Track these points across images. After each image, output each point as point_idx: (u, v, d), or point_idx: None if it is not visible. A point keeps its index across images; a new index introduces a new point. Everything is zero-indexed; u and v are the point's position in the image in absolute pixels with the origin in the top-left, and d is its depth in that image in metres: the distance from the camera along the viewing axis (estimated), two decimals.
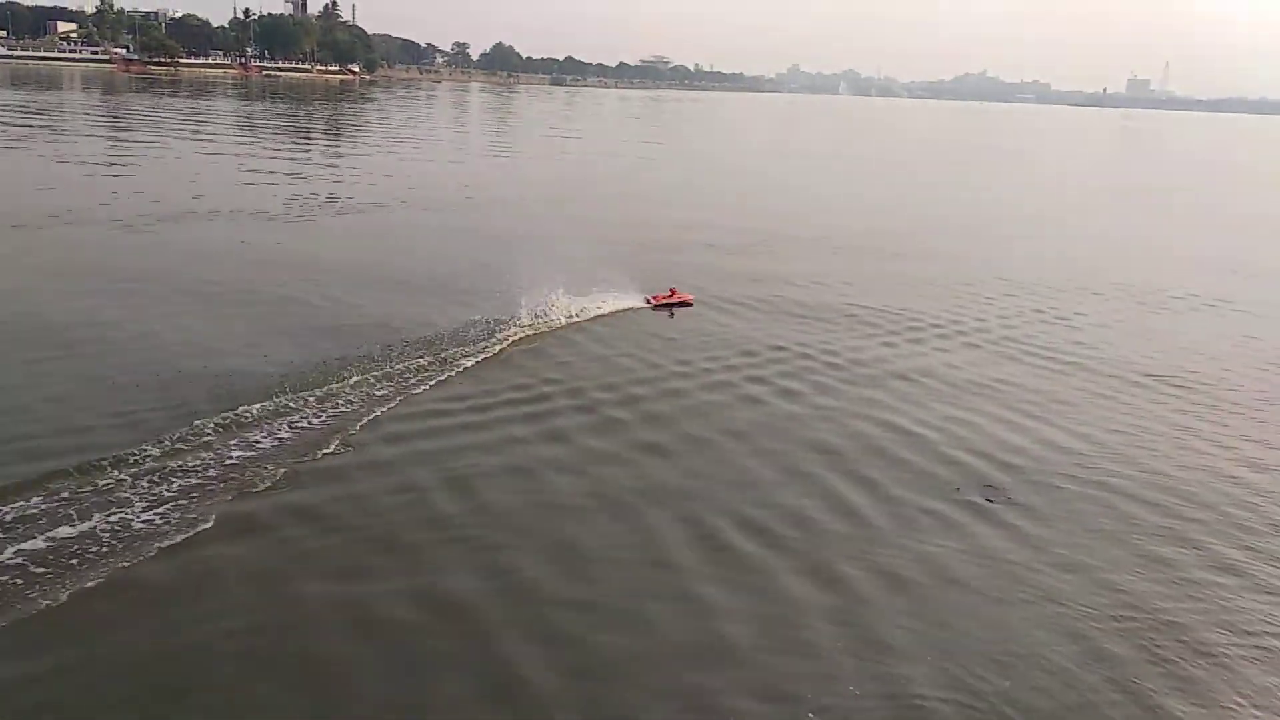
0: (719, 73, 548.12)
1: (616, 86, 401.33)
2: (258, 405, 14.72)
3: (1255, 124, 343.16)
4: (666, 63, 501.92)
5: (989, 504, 13.39)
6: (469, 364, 17.75)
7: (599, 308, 23.38)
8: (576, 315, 22.41)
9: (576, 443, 14.83)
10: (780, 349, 20.48)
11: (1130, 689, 9.47)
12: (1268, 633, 10.59)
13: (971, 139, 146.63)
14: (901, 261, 32.38)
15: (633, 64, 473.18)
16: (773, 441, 15.38)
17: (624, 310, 24.01)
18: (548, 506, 12.72)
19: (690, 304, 25.24)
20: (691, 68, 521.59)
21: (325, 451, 13.48)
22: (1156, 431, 16.65)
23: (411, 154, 62.98)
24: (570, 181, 53.18)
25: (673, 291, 25.56)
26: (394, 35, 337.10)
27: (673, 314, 24.28)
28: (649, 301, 24.88)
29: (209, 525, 11.24)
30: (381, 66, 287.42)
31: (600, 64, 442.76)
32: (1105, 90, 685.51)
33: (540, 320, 21.05)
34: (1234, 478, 14.80)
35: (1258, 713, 9.20)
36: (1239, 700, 9.37)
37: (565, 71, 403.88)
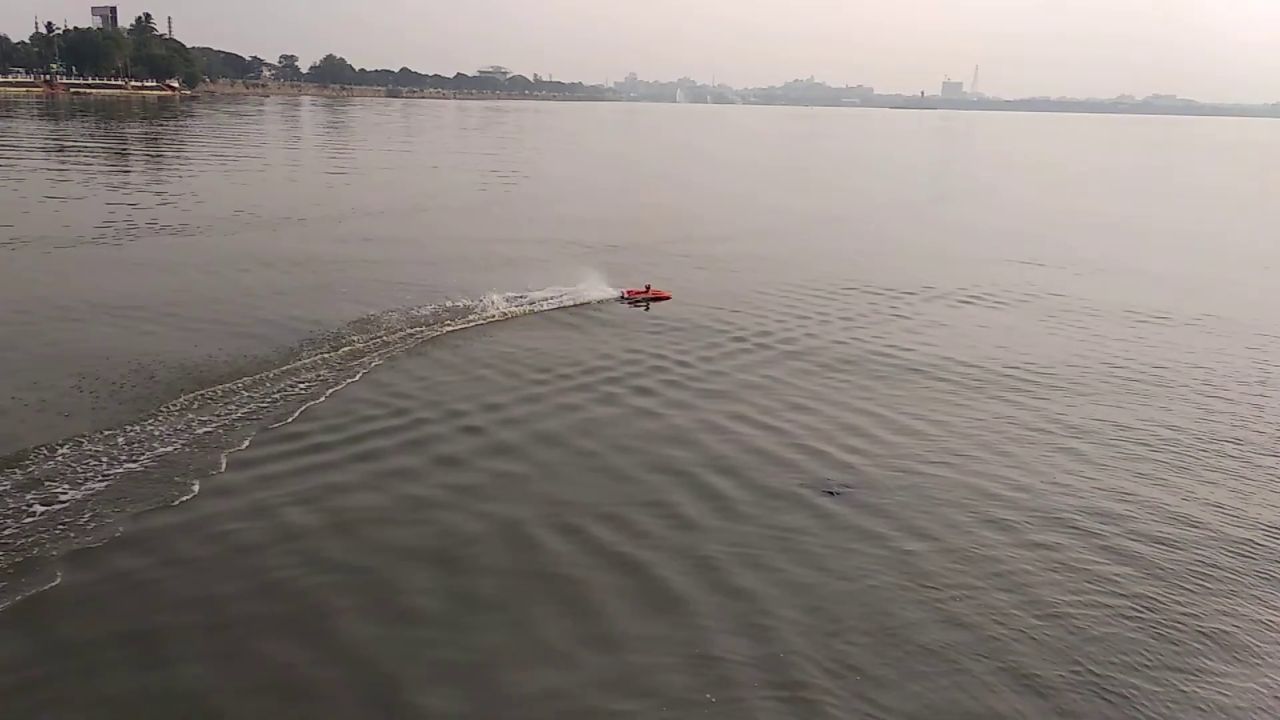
0: (558, 82, 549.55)
1: (455, 97, 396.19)
2: (85, 449, 13.80)
3: (1055, 122, 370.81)
4: (505, 73, 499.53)
5: (837, 494, 14.05)
6: (334, 389, 17.26)
7: (570, 298, 25.03)
8: (540, 304, 24.36)
9: (446, 459, 14.70)
10: (657, 354, 20.84)
11: (987, 650, 10.17)
12: (1099, 587, 11.55)
13: (803, 143, 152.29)
14: (744, 266, 33.32)
15: (471, 75, 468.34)
16: (638, 447, 15.67)
17: (597, 302, 25.38)
18: (428, 525, 12.56)
19: (668, 298, 26.10)
20: (530, 78, 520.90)
21: (186, 497, 12.76)
22: (987, 411, 17.82)
23: (239, 173, 60.29)
24: (411, 195, 52.12)
25: (648, 288, 26.32)
26: (215, 49, 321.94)
27: (648, 308, 25.25)
28: (624, 296, 25.90)
29: (56, 582, 10.55)
30: (203, 81, 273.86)
31: (437, 75, 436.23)
32: (923, 93, 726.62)
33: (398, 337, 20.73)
34: (1063, 448, 16.03)
35: (1095, 666, 10.01)
36: (1080, 657, 10.18)
37: (401, 83, 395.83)
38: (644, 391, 18.48)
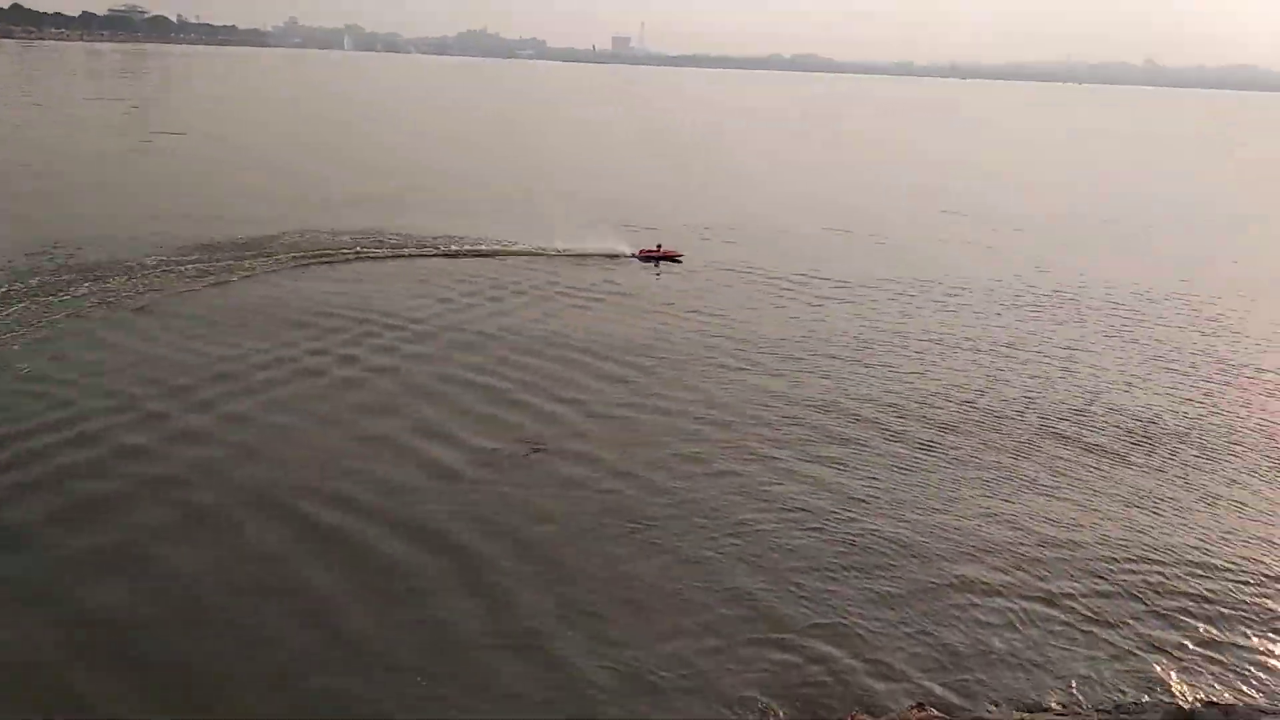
0: (207, 25, 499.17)
1: (83, 39, 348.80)
2: None
3: (714, 76, 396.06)
4: (142, 13, 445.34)
5: (542, 449, 15.72)
6: None
7: (586, 247, 28.26)
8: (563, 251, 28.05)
9: (135, 447, 14.71)
10: (359, 317, 21.19)
11: (694, 570, 12.33)
12: (780, 506, 14.12)
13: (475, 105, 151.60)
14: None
15: (100, 14, 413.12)
16: (348, 418, 16.59)
17: (611, 255, 28.03)
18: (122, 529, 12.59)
19: (679, 259, 28.21)
20: (174, 18, 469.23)
21: None
22: (683, 362, 20.31)
23: None
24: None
25: (659, 247, 28.38)
26: None
27: (659, 269, 27.38)
28: (638, 254, 28.24)
29: None
30: None
31: (59, 13, 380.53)
32: (595, 47, 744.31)
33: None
34: (751, 399, 18.77)
35: (788, 572, 12.42)
36: (771, 565, 12.56)
37: (13, 21, 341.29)
38: (349, 360, 19.32)
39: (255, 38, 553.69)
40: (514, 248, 28.89)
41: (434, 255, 28.41)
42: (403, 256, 28.33)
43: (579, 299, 25.18)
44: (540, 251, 28.61)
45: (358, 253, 28.08)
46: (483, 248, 29.02)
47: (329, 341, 20.31)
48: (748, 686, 10.21)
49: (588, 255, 28.32)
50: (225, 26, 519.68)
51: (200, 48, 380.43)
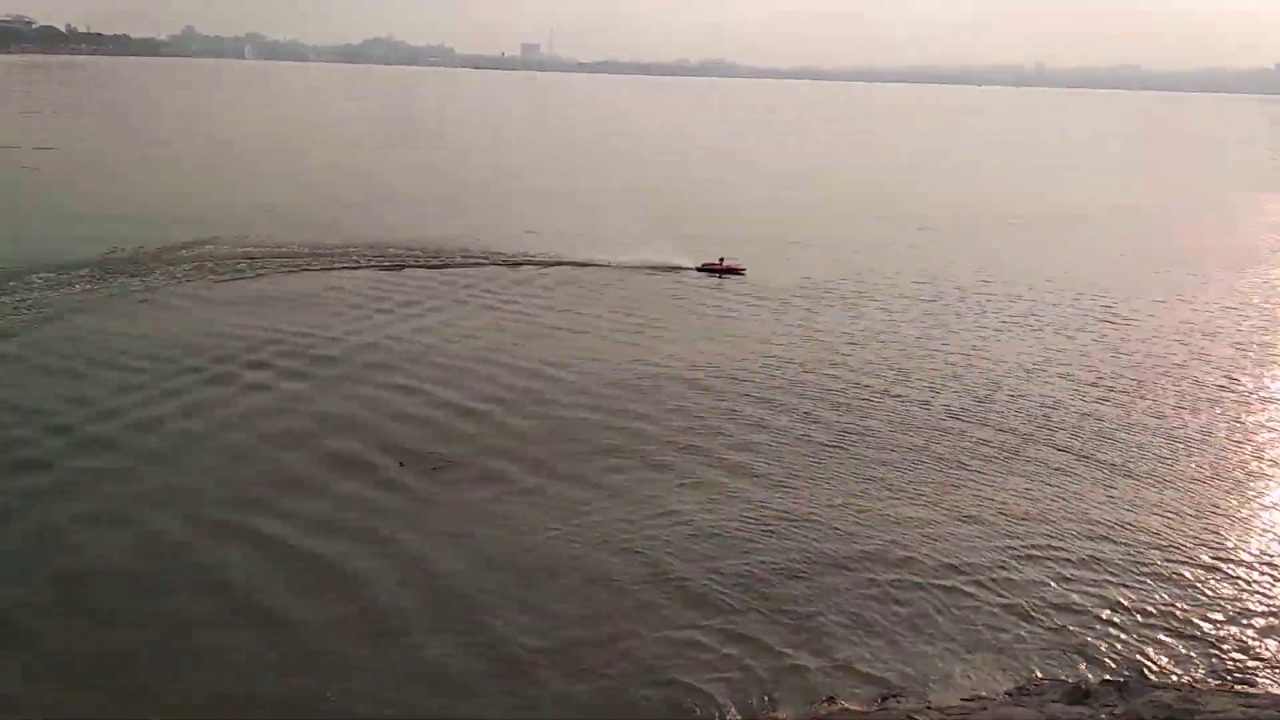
0: (98, 34, 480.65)
1: None
2: None
3: (629, 83, 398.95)
4: (29, 23, 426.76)
5: (450, 461, 15.54)
6: None
7: (647, 260, 28.64)
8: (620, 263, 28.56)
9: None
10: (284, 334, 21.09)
11: (633, 563, 12.55)
12: (722, 495, 14.27)
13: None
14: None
15: None
16: (274, 431, 16.49)
17: (671, 269, 28.44)
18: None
19: (742, 273, 28.38)
20: (63, 29, 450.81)
21: None
22: (603, 361, 20.37)
23: None
24: None
25: (721, 260, 28.63)
26: None
27: (722, 278, 27.96)
28: (701, 267, 28.64)
29: None
30: None
31: None
32: (503, 54, 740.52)
33: None
34: (635, 410, 18.90)
35: (718, 561, 12.61)
36: (701, 555, 12.68)
37: None
38: (295, 375, 19.40)
39: (149, 47, 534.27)
40: (575, 259, 29.79)
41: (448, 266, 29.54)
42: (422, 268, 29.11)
43: (510, 308, 25.35)
44: (594, 263, 29.37)
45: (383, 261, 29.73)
46: (533, 258, 30.13)
47: (264, 353, 20.41)
48: (671, 670, 10.40)
49: (653, 268, 28.98)
50: (116, 36, 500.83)
51: (91, 58, 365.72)
